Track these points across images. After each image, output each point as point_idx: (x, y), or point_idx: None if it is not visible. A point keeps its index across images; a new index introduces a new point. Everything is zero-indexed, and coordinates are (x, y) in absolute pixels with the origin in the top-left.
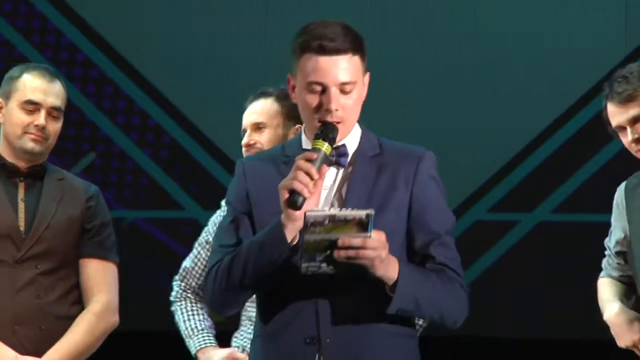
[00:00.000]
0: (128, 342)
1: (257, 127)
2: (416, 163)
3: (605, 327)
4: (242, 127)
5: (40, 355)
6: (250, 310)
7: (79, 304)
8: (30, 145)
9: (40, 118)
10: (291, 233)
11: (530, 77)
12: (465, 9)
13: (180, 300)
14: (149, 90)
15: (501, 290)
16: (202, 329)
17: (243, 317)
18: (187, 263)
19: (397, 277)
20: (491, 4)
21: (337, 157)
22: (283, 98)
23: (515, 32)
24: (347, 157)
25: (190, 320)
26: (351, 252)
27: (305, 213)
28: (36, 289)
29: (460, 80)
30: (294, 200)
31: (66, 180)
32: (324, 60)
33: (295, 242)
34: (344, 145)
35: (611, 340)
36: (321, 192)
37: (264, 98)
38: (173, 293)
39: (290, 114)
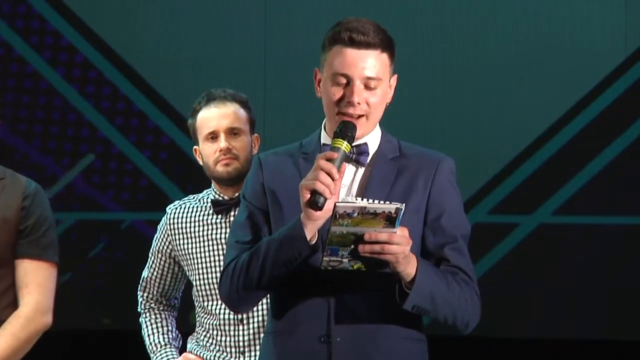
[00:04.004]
0: (126, 342)
1: (233, 132)
2: (435, 168)
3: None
4: (210, 130)
5: None
6: (201, 314)
7: (15, 306)
8: None
9: None
10: (310, 232)
11: (529, 79)
12: (466, 10)
13: (145, 312)
14: (147, 91)
15: (501, 292)
16: (165, 344)
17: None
18: (145, 273)
19: (415, 273)
20: (491, 6)
21: (357, 155)
22: (247, 104)
23: (514, 34)
24: (368, 155)
25: (154, 335)
26: (377, 247)
27: (335, 203)
28: None
29: (459, 82)
30: (316, 201)
31: (6, 180)
32: (352, 53)
33: (314, 241)
34: (365, 143)
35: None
36: (340, 190)
37: (233, 102)
38: (138, 305)
39: (254, 122)
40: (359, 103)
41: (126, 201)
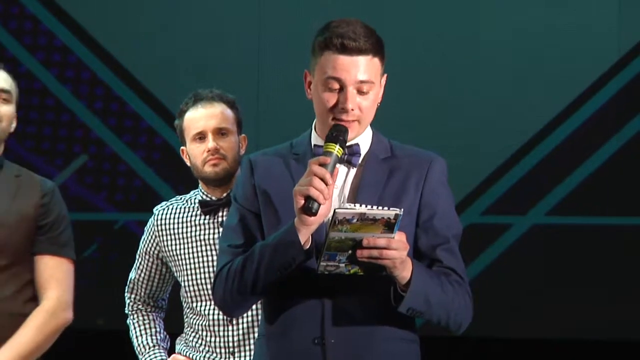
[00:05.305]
0: (120, 342)
1: (220, 132)
2: (427, 168)
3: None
4: (197, 130)
5: None
6: (190, 316)
7: (35, 302)
8: None
9: None
10: (304, 237)
11: (522, 80)
12: (462, 12)
13: (132, 314)
14: (141, 92)
15: (495, 293)
16: (154, 346)
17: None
18: (132, 274)
19: (411, 276)
20: (484, 6)
21: (349, 155)
22: (235, 104)
23: (507, 36)
24: (359, 156)
25: (142, 336)
26: (375, 252)
27: (334, 210)
28: None
29: (452, 83)
30: (310, 207)
31: (23, 177)
32: (344, 59)
33: (308, 246)
34: (357, 144)
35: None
36: (333, 193)
37: (220, 102)
38: (126, 307)
39: (241, 123)
40: (352, 109)
41: (120, 202)
